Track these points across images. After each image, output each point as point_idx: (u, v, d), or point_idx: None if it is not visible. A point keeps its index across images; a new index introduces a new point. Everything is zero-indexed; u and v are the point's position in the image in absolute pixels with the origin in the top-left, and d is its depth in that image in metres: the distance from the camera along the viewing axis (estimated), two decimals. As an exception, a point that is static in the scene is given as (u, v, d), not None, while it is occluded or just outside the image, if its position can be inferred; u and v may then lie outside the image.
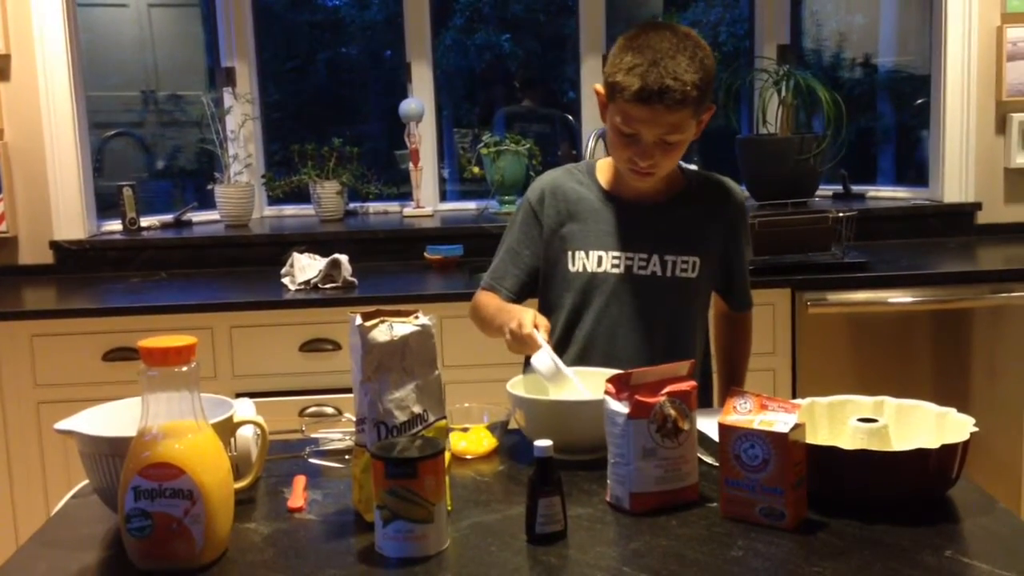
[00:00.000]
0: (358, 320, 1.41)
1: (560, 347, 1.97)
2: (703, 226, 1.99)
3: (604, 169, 2.03)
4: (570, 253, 1.99)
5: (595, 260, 1.97)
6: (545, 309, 2.04)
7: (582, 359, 1.96)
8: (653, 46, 1.81)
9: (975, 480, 1.51)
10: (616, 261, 1.96)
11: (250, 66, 3.91)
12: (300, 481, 1.60)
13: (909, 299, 3.02)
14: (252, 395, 2.03)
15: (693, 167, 2.18)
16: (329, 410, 2.91)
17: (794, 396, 2.95)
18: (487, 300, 2.03)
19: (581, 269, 1.98)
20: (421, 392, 1.43)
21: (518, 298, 2.02)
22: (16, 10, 3.37)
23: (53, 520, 1.55)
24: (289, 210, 3.97)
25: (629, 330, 1.96)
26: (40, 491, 2.98)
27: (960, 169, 3.57)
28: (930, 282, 3.04)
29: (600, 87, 1.91)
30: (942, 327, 3.04)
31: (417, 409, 1.42)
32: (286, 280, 3.13)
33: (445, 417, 1.48)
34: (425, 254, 3.37)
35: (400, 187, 3.92)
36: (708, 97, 1.87)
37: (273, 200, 3.95)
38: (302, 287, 3.06)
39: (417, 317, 1.45)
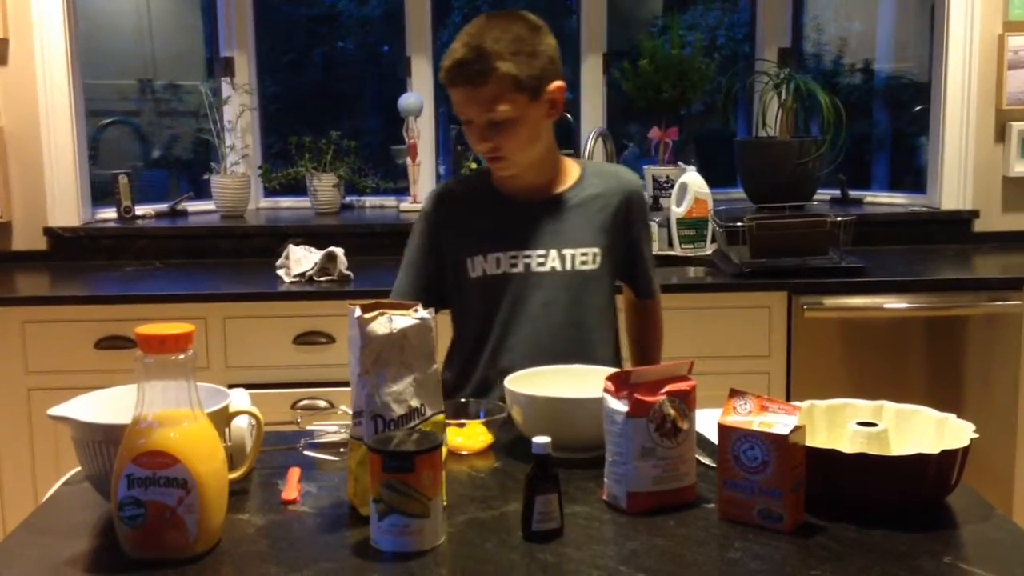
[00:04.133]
0: (357, 312, 1.39)
1: (473, 353, 1.98)
2: (599, 217, 1.99)
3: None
4: (468, 260, 1.98)
5: (493, 263, 1.96)
6: (455, 318, 2.05)
7: (495, 361, 1.96)
8: (468, 30, 1.87)
9: (968, 487, 1.51)
10: (514, 261, 1.96)
11: (249, 56, 3.90)
12: (294, 473, 1.58)
13: (905, 305, 3.02)
14: (245, 387, 2.02)
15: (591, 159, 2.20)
16: (322, 403, 2.90)
17: (788, 400, 2.94)
18: None
19: (481, 274, 1.97)
20: (419, 386, 1.42)
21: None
22: (15, -5, 3.36)
23: (44, 507, 1.53)
24: (285, 202, 3.96)
25: (538, 328, 1.96)
26: (28, 478, 2.96)
27: (958, 177, 3.57)
28: (926, 289, 3.04)
29: None
30: (937, 334, 3.04)
31: (415, 403, 1.41)
32: (281, 272, 3.11)
33: (443, 412, 1.47)
34: (421, 249, 3.35)
35: (397, 182, 3.91)
36: (531, 74, 1.86)
37: (269, 192, 3.93)
38: (297, 279, 3.05)
39: (416, 311, 1.44)
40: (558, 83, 1.92)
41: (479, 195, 2.03)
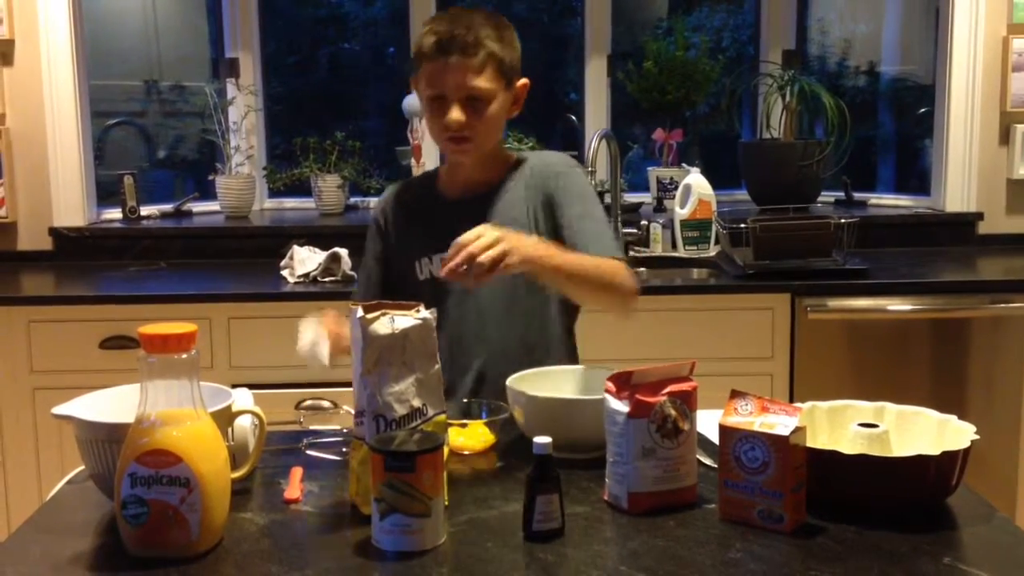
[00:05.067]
0: (359, 313, 1.40)
1: None
2: (530, 205, 1.98)
3: (443, 173, 2.06)
4: (416, 263, 2.00)
5: (438, 264, 1.96)
6: None
7: (452, 361, 1.95)
8: (450, 13, 1.91)
9: (969, 489, 1.51)
10: None
11: (254, 58, 3.91)
12: (297, 472, 1.59)
13: (908, 307, 3.02)
14: (249, 387, 2.02)
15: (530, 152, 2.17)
16: (326, 403, 2.90)
17: (791, 401, 2.94)
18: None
19: (428, 276, 1.99)
20: (421, 386, 1.42)
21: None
22: (21, -5, 3.37)
23: (48, 505, 1.54)
24: (290, 203, 3.97)
25: (486, 325, 1.97)
26: (33, 477, 2.97)
27: (962, 179, 3.57)
28: (930, 291, 3.04)
29: (413, 78, 1.96)
30: (941, 336, 3.04)
31: (417, 403, 1.42)
32: (285, 273, 3.12)
33: (445, 412, 1.48)
34: (425, 250, 3.36)
35: (401, 183, 3.91)
36: (511, 62, 1.90)
37: (274, 192, 3.94)
38: (301, 280, 3.06)
39: (418, 311, 1.45)
40: (525, 80, 1.96)
41: (423, 197, 2.05)
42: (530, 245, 1.70)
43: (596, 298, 1.89)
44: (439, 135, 1.94)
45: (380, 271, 2.09)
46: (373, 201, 3.89)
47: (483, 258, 1.58)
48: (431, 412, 1.44)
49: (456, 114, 1.88)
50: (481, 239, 1.60)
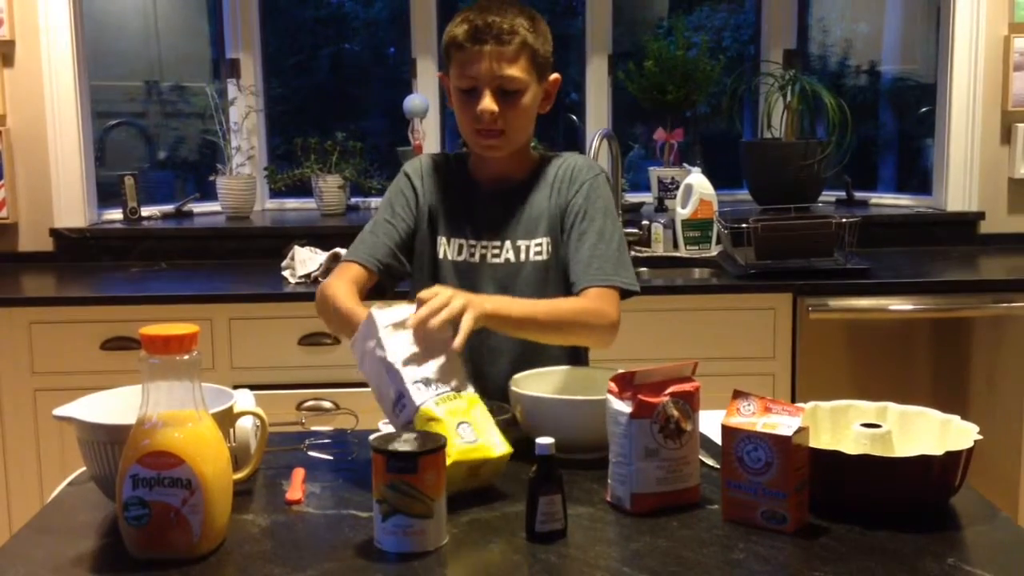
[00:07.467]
0: (373, 309, 1.55)
1: None
2: (550, 206, 1.96)
3: (473, 159, 2.02)
4: (440, 238, 1.97)
5: (455, 248, 1.96)
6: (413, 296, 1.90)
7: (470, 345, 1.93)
8: (481, 4, 1.87)
9: (972, 489, 1.50)
10: (472, 250, 1.96)
11: (255, 58, 3.91)
12: (299, 474, 1.59)
13: (910, 307, 3.01)
14: (250, 387, 2.02)
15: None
16: (327, 404, 2.90)
17: (793, 401, 2.94)
18: (341, 289, 1.85)
19: (443, 256, 1.97)
20: (442, 369, 1.55)
21: (386, 269, 1.93)
22: (22, -4, 3.37)
23: (49, 507, 1.54)
24: (291, 203, 3.96)
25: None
26: (35, 479, 2.97)
27: (964, 178, 3.57)
28: (931, 290, 3.04)
29: (442, 73, 1.96)
30: (943, 336, 3.04)
31: (451, 380, 1.55)
32: (286, 273, 3.12)
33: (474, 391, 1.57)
34: (426, 250, 3.35)
35: (402, 183, 3.90)
36: (544, 54, 1.89)
37: (275, 193, 3.94)
38: (302, 280, 3.06)
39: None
40: (557, 76, 1.95)
41: (457, 175, 2.02)
42: (486, 300, 1.69)
43: (564, 340, 1.89)
44: (469, 129, 1.90)
45: (409, 224, 1.97)
46: (374, 202, 3.89)
47: (440, 316, 1.58)
48: (456, 385, 1.55)
49: (488, 103, 1.84)
50: (438, 297, 1.60)
